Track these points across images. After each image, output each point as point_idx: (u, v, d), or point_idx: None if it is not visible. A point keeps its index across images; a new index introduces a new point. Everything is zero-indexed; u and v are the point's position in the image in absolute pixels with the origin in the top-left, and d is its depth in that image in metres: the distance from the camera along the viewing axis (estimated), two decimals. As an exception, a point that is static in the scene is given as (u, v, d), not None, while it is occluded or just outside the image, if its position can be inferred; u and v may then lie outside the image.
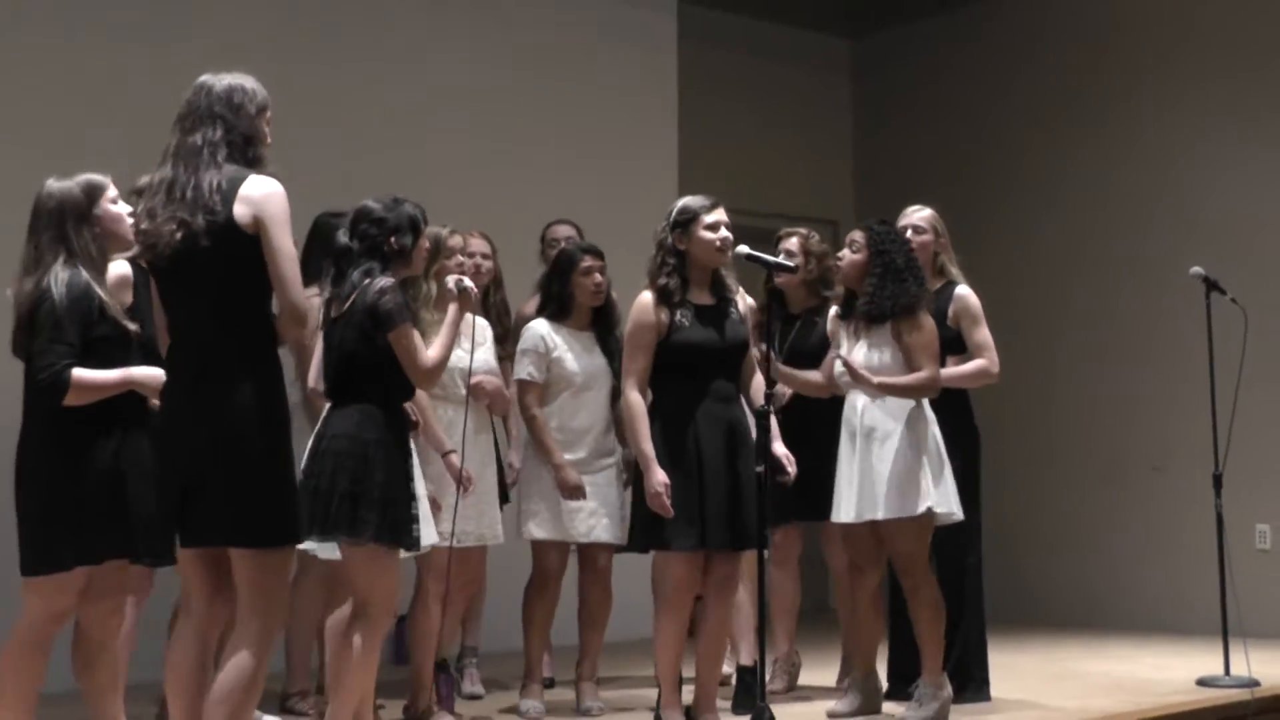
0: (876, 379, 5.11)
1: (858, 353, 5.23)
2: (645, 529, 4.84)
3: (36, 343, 4.07)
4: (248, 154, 3.73)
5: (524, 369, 5.58)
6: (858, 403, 5.25)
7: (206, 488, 3.62)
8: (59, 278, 4.09)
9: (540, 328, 5.61)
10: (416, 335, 4.38)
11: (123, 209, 4.27)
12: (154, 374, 4.07)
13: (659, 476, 4.73)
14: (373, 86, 7.34)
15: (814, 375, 5.55)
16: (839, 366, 5.23)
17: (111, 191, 4.28)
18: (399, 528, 4.32)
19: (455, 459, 5.00)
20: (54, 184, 4.23)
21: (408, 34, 7.60)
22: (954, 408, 5.49)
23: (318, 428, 4.44)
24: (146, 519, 4.12)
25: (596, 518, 5.52)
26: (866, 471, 5.18)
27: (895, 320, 5.20)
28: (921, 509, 5.13)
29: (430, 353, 4.39)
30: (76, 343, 4.05)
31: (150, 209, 3.70)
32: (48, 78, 6.46)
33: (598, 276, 5.61)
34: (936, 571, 5.35)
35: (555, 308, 5.65)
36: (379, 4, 7.56)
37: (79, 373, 4.03)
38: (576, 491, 5.42)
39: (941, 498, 5.19)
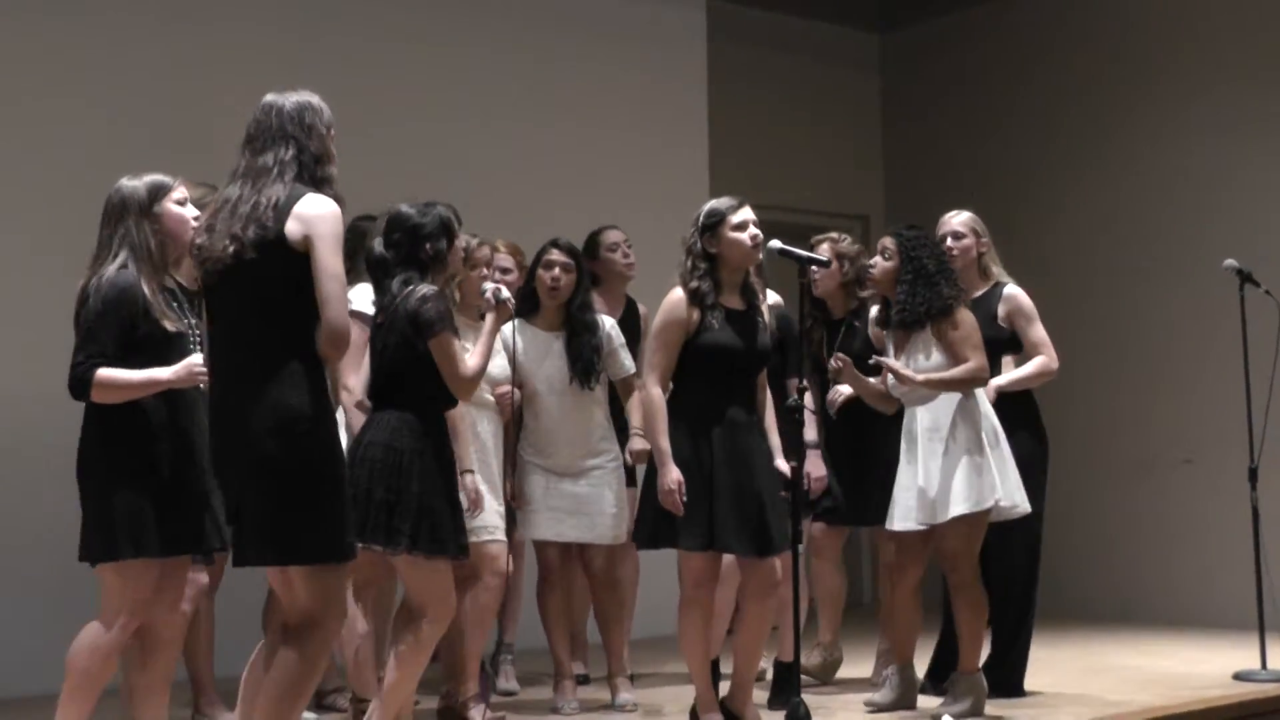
0: (921, 376, 5.12)
1: (901, 359, 5.22)
2: (655, 525, 4.81)
3: (76, 340, 4.13)
4: (316, 173, 3.75)
5: None
6: (916, 408, 5.25)
7: (252, 507, 3.63)
8: (104, 277, 4.13)
9: (505, 330, 5.38)
10: (457, 344, 4.40)
11: (188, 212, 4.29)
12: (180, 372, 4.08)
13: (674, 474, 4.70)
14: (398, 85, 7.36)
15: (878, 384, 5.47)
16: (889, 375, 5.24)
17: (178, 194, 4.31)
18: (437, 537, 4.34)
19: (470, 480, 4.94)
20: (124, 182, 4.28)
21: (434, 31, 7.62)
22: (1019, 416, 5.49)
23: (357, 434, 4.47)
24: (206, 516, 4.19)
25: (579, 519, 5.49)
26: (930, 475, 5.16)
27: (933, 323, 5.20)
28: (989, 503, 5.12)
29: (470, 362, 4.42)
30: (110, 344, 4.08)
31: (210, 225, 3.74)
32: (82, 48, 6.57)
33: (556, 271, 5.52)
34: (991, 565, 5.34)
35: (526, 304, 5.54)
36: (407, 1, 7.59)
37: (103, 372, 4.06)
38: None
39: (1006, 490, 5.17)
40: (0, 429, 6.08)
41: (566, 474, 5.51)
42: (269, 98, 3.81)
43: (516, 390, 5.35)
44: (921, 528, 5.22)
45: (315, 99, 3.83)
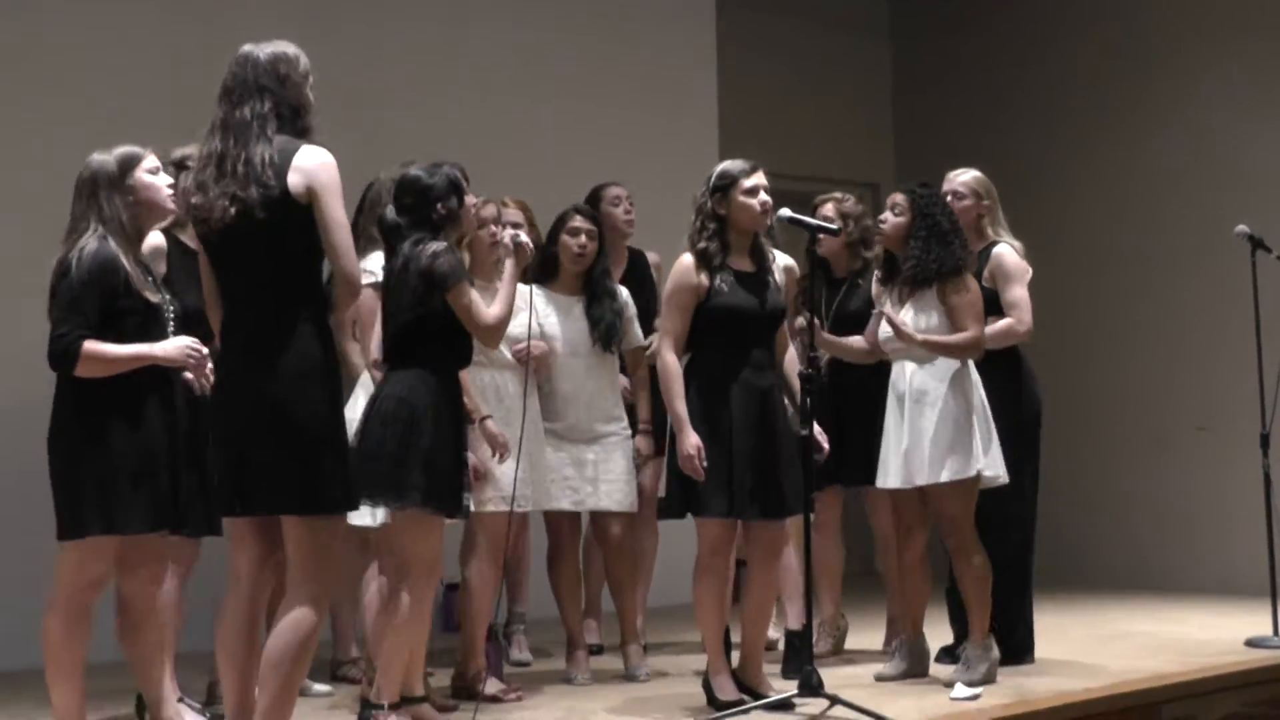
0: (921, 335, 5.12)
1: (903, 316, 5.23)
2: (679, 493, 4.82)
3: (54, 313, 4.10)
4: (297, 125, 3.73)
5: None
6: (906, 368, 5.25)
7: (260, 455, 3.63)
8: (85, 249, 4.10)
9: (522, 291, 5.33)
10: (474, 293, 4.41)
11: (161, 180, 4.27)
12: (170, 350, 4.08)
13: (692, 439, 4.70)
14: (410, 51, 7.35)
15: (858, 340, 5.55)
16: (884, 328, 5.24)
17: (148, 162, 4.28)
18: (445, 494, 4.37)
19: (491, 424, 4.95)
20: (94, 156, 4.25)
21: (435, 8, 7.59)
22: (1003, 372, 5.48)
23: (372, 392, 4.49)
24: (182, 491, 4.17)
25: (595, 486, 5.50)
26: (916, 436, 5.18)
27: (941, 282, 5.19)
28: (973, 471, 5.14)
29: (492, 309, 4.45)
30: (93, 315, 4.05)
31: (201, 183, 3.70)
32: (84, 47, 6.58)
33: (583, 238, 5.51)
34: (986, 533, 5.34)
35: (544, 269, 5.53)
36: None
37: (90, 345, 4.03)
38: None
39: (990, 460, 5.21)
40: (1, 425, 6.07)
41: (580, 440, 5.50)
42: (245, 49, 3.78)
43: (541, 344, 5.33)
44: (909, 488, 5.23)
45: (291, 49, 3.80)
